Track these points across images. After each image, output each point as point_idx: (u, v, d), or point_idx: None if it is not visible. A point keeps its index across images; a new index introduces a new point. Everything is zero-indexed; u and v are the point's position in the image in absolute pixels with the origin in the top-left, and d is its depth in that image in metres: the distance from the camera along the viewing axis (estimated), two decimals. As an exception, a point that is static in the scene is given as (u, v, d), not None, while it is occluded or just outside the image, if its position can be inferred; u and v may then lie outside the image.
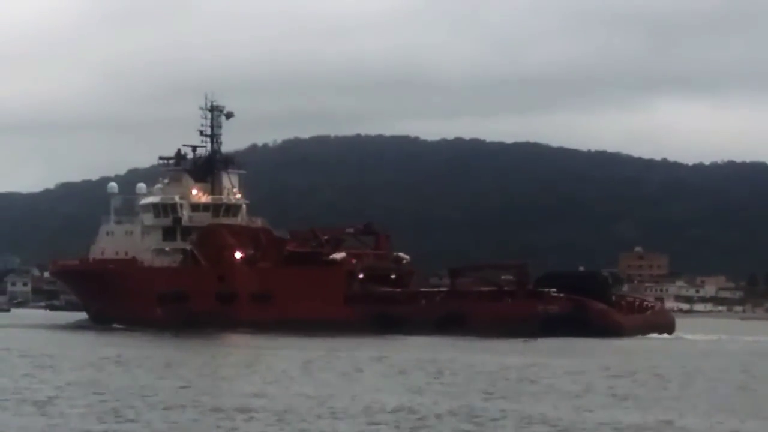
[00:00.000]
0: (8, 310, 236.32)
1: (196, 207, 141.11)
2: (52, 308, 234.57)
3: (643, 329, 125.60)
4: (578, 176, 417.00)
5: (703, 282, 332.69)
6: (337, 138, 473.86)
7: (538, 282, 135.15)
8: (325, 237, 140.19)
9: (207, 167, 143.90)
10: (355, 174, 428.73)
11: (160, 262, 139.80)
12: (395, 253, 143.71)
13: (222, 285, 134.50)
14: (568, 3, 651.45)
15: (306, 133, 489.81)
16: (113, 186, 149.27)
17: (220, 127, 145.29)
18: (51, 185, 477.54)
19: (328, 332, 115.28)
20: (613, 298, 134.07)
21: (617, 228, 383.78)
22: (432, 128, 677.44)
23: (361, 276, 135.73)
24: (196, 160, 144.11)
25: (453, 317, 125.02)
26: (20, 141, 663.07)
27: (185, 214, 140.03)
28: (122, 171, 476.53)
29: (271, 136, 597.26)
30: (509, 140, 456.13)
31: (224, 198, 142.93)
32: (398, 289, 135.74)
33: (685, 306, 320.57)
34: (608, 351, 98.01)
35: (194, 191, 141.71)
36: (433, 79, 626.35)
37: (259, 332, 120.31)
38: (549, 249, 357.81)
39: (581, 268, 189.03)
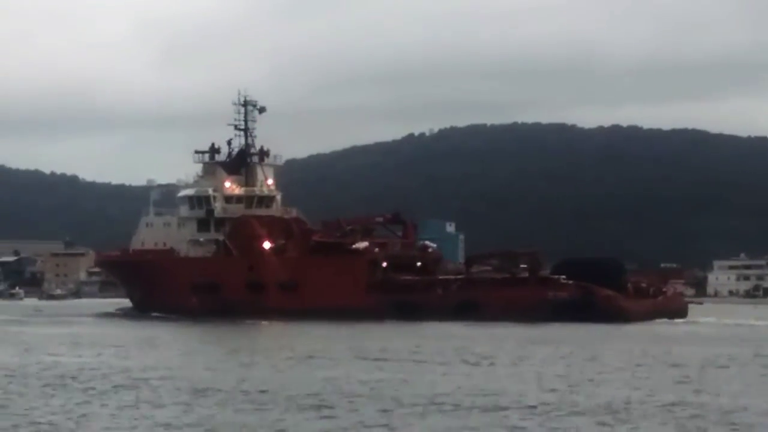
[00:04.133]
0: None
1: (229, 199, 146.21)
2: None
3: (652, 314, 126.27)
4: (737, 163, 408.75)
5: None
6: (493, 126, 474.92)
7: (554, 269, 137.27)
8: (350, 227, 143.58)
9: (240, 160, 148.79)
10: (510, 163, 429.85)
11: (194, 252, 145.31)
12: (422, 242, 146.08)
13: (251, 274, 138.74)
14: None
15: (462, 122, 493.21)
16: (153, 179, 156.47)
17: (254, 121, 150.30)
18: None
19: (352, 320, 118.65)
20: (628, 284, 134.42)
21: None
22: (592, 115, 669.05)
23: (384, 264, 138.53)
24: (230, 153, 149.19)
25: (468, 304, 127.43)
26: (188, 133, 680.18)
27: (218, 205, 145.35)
28: (280, 161, 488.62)
29: (427, 125, 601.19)
30: (667, 127, 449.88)
31: (257, 190, 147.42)
32: (417, 278, 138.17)
33: None
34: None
35: (227, 184, 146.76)
36: (597, 65, 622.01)
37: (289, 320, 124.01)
38: (709, 236, 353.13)
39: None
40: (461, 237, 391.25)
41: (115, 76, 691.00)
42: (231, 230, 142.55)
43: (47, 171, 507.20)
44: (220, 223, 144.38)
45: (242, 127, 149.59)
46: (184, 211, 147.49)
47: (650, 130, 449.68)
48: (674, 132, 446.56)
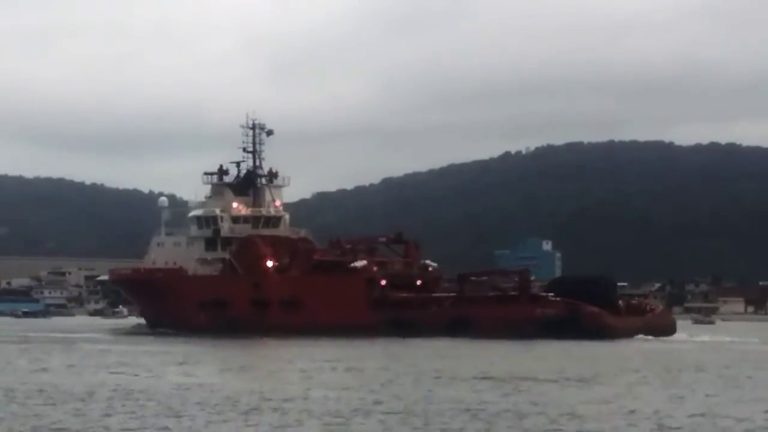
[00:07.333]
0: None
1: (236, 219, 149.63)
2: None
3: (639, 331, 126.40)
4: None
5: None
6: (590, 144, 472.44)
7: (549, 287, 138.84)
8: (348, 246, 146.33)
9: (248, 182, 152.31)
10: (607, 180, 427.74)
11: (202, 271, 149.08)
12: (422, 261, 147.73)
13: (256, 292, 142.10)
14: None
15: (559, 140, 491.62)
16: (164, 200, 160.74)
17: (262, 143, 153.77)
18: (307, 195, 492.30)
19: (352, 336, 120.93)
20: (619, 301, 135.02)
21: None
22: (690, 133, 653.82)
23: (383, 282, 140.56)
24: (238, 174, 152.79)
25: (460, 321, 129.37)
26: (292, 151, 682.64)
27: (225, 225, 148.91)
28: (376, 180, 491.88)
29: (523, 143, 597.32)
30: (766, 144, 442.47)
31: (264, 210, 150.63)
32: (413, 295, 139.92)
33: None
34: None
35: (234, 204, 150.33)
36: (698, 82, 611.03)
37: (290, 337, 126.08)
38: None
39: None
40: (558, 255, 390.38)
41: (221, 95, 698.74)
42: (237, 249, 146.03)
43: (146, 190, 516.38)
44: (226, 242, 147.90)
45: (250, 149, 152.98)
46: (193, 230, 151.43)
47: (749, 148, 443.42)
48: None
